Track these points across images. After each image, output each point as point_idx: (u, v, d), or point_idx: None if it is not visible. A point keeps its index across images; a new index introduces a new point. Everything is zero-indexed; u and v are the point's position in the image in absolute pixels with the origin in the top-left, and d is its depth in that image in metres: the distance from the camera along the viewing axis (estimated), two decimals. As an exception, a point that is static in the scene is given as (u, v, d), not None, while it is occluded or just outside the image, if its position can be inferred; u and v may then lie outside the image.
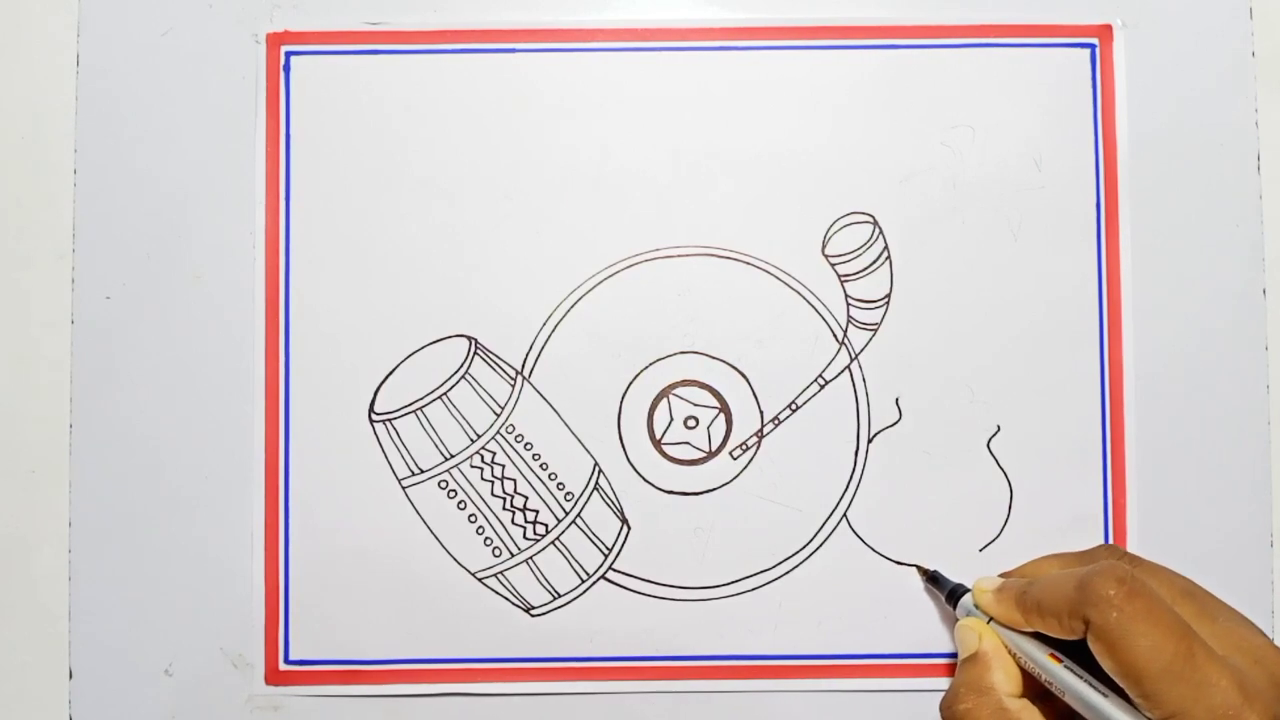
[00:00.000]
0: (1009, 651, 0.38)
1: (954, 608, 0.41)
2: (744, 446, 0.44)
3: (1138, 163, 0.44)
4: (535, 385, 0.44)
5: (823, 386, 0.44)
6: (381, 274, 0.44)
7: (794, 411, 0.44)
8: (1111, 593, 0.34)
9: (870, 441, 0.44)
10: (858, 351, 0.44)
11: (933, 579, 0.43)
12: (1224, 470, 0.44)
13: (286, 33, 0.45)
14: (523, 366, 0.44)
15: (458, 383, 0.44)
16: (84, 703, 0.43)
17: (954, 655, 0.43)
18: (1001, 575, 0.41)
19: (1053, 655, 0.37)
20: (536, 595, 0.44)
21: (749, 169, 0.44)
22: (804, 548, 0.44)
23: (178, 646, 0.43)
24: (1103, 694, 0.35)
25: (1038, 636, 0.37)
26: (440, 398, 0.44)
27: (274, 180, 0.44)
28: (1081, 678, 0.36)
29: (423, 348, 0.44)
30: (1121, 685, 0.34)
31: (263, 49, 0.44)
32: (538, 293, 0.44)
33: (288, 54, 0.44)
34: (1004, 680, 0.38)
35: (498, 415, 0.44)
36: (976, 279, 0.44)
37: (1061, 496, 0.44)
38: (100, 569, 0.44)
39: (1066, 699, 0.36)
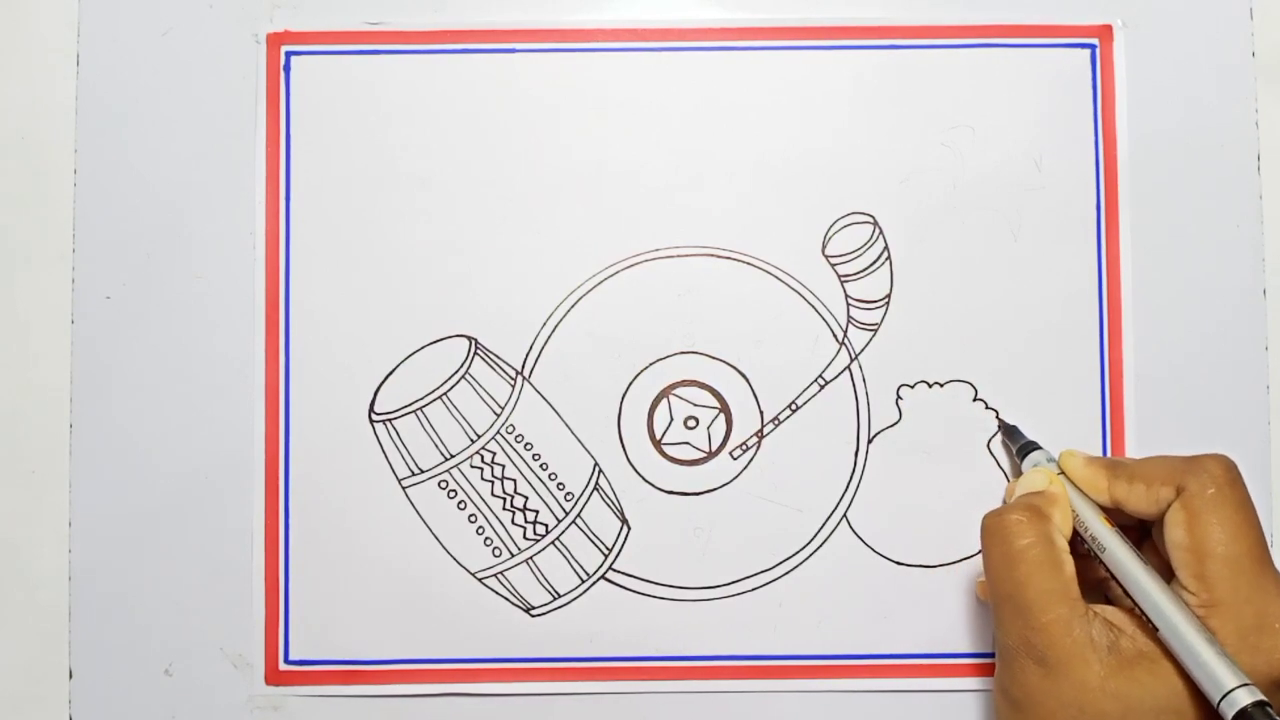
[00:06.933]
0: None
1: (1022, 461, 0.42)
2: (744, 446, 0.44)
3: (1138, 163, 0.44)
4: (535, 385, 0.44)
5: (823, 387, 0.44)
6: (381, 274, 0.44)
7: (794, 412, 0.44)
8: (1219, 472, 0.36)
9: (870, 441, 0.44)
10: (858, 352, 0.44)
11: (1009, 431, 0.43)
12: (1224, 470, 0.44)
13: (286, 33, 0.45)
14: (523, 366, 0.44)
15: (458, 383, 0.44)
16: (84, 703, 0.43)
17: (957, 655, 0.43)
18: None
19: (1108, 519, 0.38)
20: (536, 595, 0.44)
21: (749, 169, 0.44)
22: (804, 548, 0.44)
23: (178, 646, 0.43)
24: (1139, 558, 0.37)
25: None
26: (440, 398, 0.44)
27: (274, 180, 0.44)
28: (1124, 540, 0.37)
29: (423, 348, 0.44)
30: (1177, 561, 0.35)
31: (263, 49, 0.44)
32: (538, 293, 0.44)
33: (288, 54, 0.44)
34: (1060, 521, 0.38)
35: (498, 415, 0.44)
36: (976, 279, 0.44)
37: (1061, 496, 0.44)
38: (100, 569, 0.44)
39: (1104, 556, 0.37)
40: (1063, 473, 0.40)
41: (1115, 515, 0.39)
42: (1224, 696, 0.32)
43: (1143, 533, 0.40)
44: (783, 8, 0.45)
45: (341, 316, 0.44)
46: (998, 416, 0.44)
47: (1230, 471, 0.36)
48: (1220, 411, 0.44)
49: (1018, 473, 0.42)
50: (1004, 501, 0.43)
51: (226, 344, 0.44)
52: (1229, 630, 0.34)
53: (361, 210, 0.44)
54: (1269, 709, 0.32)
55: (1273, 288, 0.44)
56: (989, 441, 0.44)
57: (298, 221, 0.44)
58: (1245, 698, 0.32)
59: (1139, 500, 0.37)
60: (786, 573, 0.44)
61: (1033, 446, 0.42)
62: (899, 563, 0.44)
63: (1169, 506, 0.36)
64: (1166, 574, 0.37)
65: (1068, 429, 0.44)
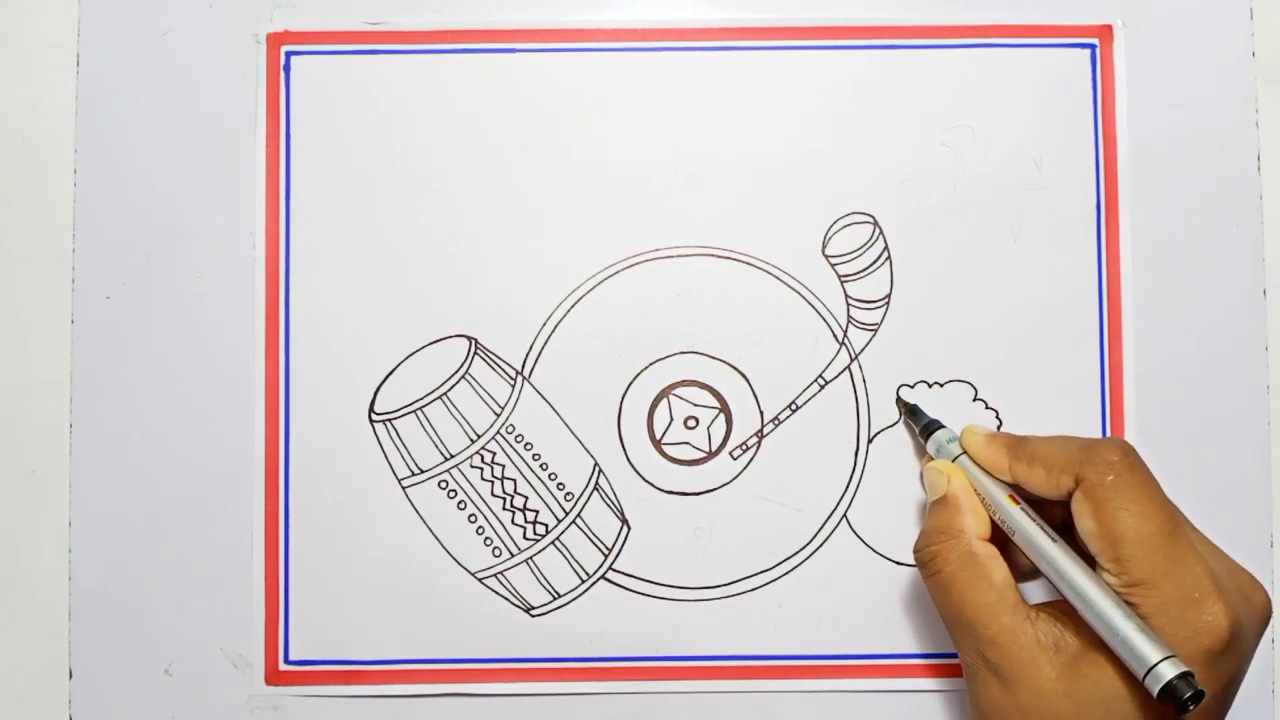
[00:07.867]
0: (977, 495, 0.39)
1: (925, 441, 0.42)
2: (744, 446, 0.44)
3: (1138, 163, 0.44)
4: (535, 385, 0.44)
5: (823, 386, 0.44)
6: (381, 274, 0.44)
7: (794, 411, 0.44)
8: (1115, 459, 0.35)
9: (870, 441, 0.44)
10: (858, 351, 0.44)
11: (911, 411, 0.43)
12: (1224, 470, 0.44)
13: (286, 33, 0.45)
14: (523, 366, 0.44)
15: (458, 383, 0.44)
16: (84, 703, 0.43)
17: (953, 655, 0.43)
18: None
19: (1011, 497, 0.38)
20: (536, 595, 0.44)
21: (749, 169, 0.44)
22: (804, 548, 0.44)
23: (178, 646, 0.43)
24: (1052, 538, 0.36)
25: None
26: (440, 398, 0.44)
27: (274, 180, 0.44)
28: (1035, 521, 0.37)
29: (423, 348, 0.44)
30: (1093, 549, 0.35)
31: (263, 49, 0.44)
32: (538, 293, 0.44)
33: (288, 54, 0.44)
34: (973, 524, 0.38)
35: (498, 415, 0.44)
36: (976, 279, 0.44)
37: (1061, 496, 0.44)
38: (100, 569, 0.44)
39: (1016, 538, 0.37)
40: (965, 452, 0.40)
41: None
42: (1148, 671, 0.32)
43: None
44: (783, 8, 0.45)
45: (341, 316, 0.44)
46: (899, 398, 0.43)
47: (1127, 456, 0.36)
48: (1220, 411, 0.44)
49: (922, 452, 0.43)
50: (920, 481, 0.43)
51: (226, 344, 0.44)
52: (1154, 606, 0.34)
53: (361, 210, 0.44)
54: (1193, 679, 0.31)
55: (1273, 288, 0.44)
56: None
57: (298, 221, 0.44)
58: (1170, 671, 0.31)
59: (1040, 484, 0.37)
60: (786, 573, 0.44)
61: (935, 426, 0.42)
62: (899, 563, 0.44)
63: (1070, 494, 0.36)
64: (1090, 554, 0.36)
65: (1067, 429, 0.43)
